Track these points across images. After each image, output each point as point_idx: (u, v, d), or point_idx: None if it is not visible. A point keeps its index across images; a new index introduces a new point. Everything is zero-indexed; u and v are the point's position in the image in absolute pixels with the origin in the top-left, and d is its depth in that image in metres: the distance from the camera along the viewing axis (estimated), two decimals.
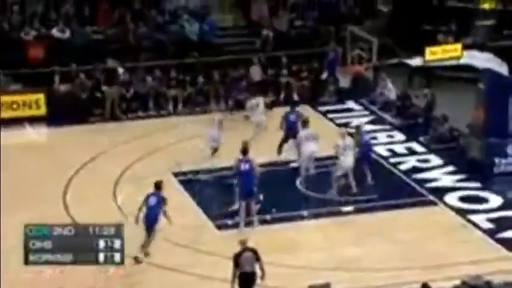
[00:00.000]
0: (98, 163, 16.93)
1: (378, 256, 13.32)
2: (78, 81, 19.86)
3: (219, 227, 14.24)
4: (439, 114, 18.71)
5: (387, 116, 19.77)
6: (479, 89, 16.96)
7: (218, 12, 22.69)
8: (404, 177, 16.40)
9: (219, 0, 22.97)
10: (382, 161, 17.21)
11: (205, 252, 13.27)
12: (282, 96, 20.60)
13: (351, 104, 20.64)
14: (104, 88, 19.71)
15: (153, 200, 12.79)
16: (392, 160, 17.25)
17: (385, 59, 21.27)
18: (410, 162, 17.11)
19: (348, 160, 14.90)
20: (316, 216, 14.73)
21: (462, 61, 19.04)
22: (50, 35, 20.62)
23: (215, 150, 15.78)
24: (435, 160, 17.13)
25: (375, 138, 18.41)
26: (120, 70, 20.03)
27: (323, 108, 20.26)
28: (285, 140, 16.54)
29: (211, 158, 15.81)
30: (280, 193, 15.12)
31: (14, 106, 19.15)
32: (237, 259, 11.15)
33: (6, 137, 17.00)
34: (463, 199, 15.37)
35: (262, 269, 11.23)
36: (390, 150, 17.82)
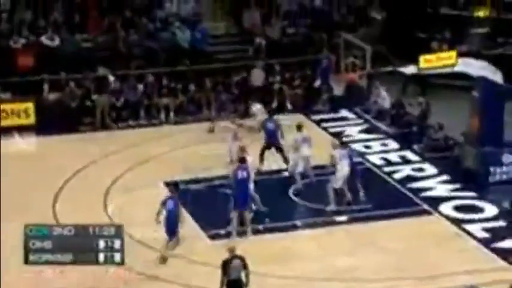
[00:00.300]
0: (88, 173, 16.95)
1: (372, 266, 13.39)
2: (67, 89, 19.92)
3: (212, 237, 14.29)
4: (433, 122, 18.85)
5: (381, 125, 19.88)
6: (473, 97, 17.10)
7: (210, 19, 22.80)
8: (399, 187, 16.49)
9: (211, 7, 23.09)
10: (376, 169, 17.31)
11: (198, 263, 13.30)
12: (275, 104, 20.71)
13: (344, 112, 20.75)
14: (94, 96, 19.76)
15: (171, 204, 12.96)
16: (386, 169, 17.34)
17: (379, 67, 21.40)
18: (405, 171, 17.21)
19: (344, 169, 15.00)
20: (310, 226, 14.80)
21: (456, 69, 19.20)
22: (39, 42, 20.67)
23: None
24: (430, 169, 17.24)
25: (368, 147, 18.54)
26: (111, 78, 20.09)
27: (316, 117, 20.37)
28: (266, 148, 16.63)
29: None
30: (273, 202, 15.18)
31: (3, 115, 19.17)
32: (225, 266, 11.21)
33: None
34: (458, 208, 15.46)
35: (247, 277, 11.28)
36: (384, 159, 17.92)
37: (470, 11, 23.40)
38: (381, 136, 19.25)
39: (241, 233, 13.96)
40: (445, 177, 16.79)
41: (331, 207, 15.02)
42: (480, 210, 15.43)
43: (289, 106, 20.92)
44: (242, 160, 14.11)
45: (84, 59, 20.65)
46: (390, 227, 14.75)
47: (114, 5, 22.02)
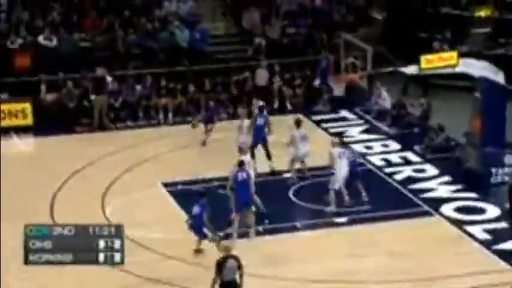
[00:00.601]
0: (86, 174, 16.94)
1: (372, 268, 13.37)
2: (65, 90, 19.91)
3: (210, 239, 14.25)
4: (434, 123, 18.84)
5: (382, 125, 19.88)
6: (475, 98, 17.09)
7: (209, 19, 22.81)
8: (400, 188, 16.48)
9: (211, 7, 23.09)
10: (376, 170, 17.30)
11: (196, 265, 13.28)
12: (276, 104, 20.71)
13: (345, 113, 20.75)
14: (92, 97, 19.75)
15: (196, 209, 13.02)
16: (387, 170, 17.33)
17: (380, 67, 21.40)
18: (406, 172, 17.19)
19: (343, 169, 14.98)
20: (310, 227, 14.78)
21: (458, 69, 19.18)
22: (36, 42, 20.66)
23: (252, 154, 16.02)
24: (431, 170, 17.22)
25: (369, 148, 18.53)
26: (109, 78, 20.08)
27: (316, 118, 20.37)
28: (254, 146, 16.61)
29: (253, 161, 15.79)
30: (273, 204, 15.16)
31: (0, 115, 19.15)
32: (220, 266, 11.14)
33: None
34: (459, 210, 15.43)
35: (241, 277, 11.24)
36: (385, 159, 17.91)
37: (472, 10, 23.40)
38: (381, 137, 19.24)
39: (243, 235, 13.92)
40: (446, 178, 16.77)
41: (331, 208, 15.00)
42: (482, 211, 15.41)
43: (289, 106, 20.94)
44: (241, 163, 14.12)
45: (82, 59, 20.64)
46: (391, 228, 14.73)
47: (112, 4, 22.03)
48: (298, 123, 16.24)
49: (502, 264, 13.56)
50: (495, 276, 13.00)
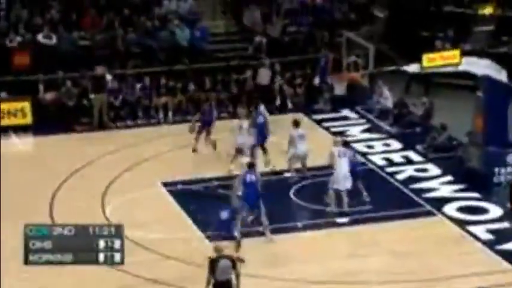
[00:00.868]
0: (86, 173, 16.93)
1: (374, 269, 13.35)
2: (64, 88, 19.88)
3: (210, 239, 14.24)
4: (436, 122, 18.81)
5: (384, 125, 19.85)
6: (477, 97, 17.05)
7: (210, 18, 22.78)
8: (401, 187, 16.45)
9: (211, 5, 23.05)
10: (378, 170, 17.27)
11: (195, 265, 13.26)
12: (278, 102, 20.68)
13: (346, 112, 20.72)
14: (92, 96, 19.73)
15: (224, 214, 12.97)
16: (388, 169, 17.29)
17: (382, 66, 21.35)
18: (408, 171, 17.16)
19: (343, 168, 14.95)
20: (311, 227, 14.75)
21: (460, 68, 19.13)
22: (35, 41, 20.64)
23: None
24: (433, 169, 17.19)
25: (371, 147, 18.50)
26: (108, 77, 20.05)
27: (317, 117, 20.34)
28: (257, 145, 16.65)
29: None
30: (274, 204, 15.12)
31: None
32: (212, 265, 11.17)
33: None
34: (462, 210, 15.40)
35: (237, 278, 11.23)
36: (387, 159, 17.88)
37: (475, 8, 23.35)
38: (383, 136, 19.21)
39: (246, 235, 13.87)
40: (448, 178, 16.74)
41: (331, 208, 14.96)
42: (485, 211, 15.38)
43: (290, 105, 20.91)
44: (251, 165, 14.19)
45: (82, 58, 20.61)
46: (393, 228, 14.70)
47: (112, 2, 22.00)
48: (296, 123, 16.24)
49: (505, 264, 13.53)
50: (498, 276, 12.97)
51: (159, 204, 15.58)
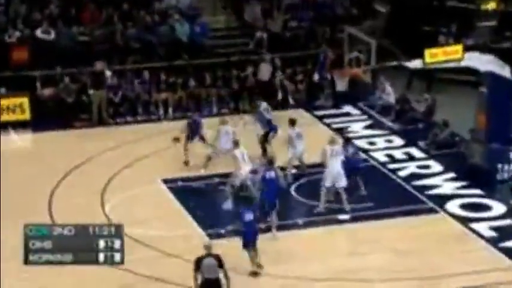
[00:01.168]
0: (85, 170, 16.93)
1: (375, 266, 13.36)
2: (62, 84, 19.88)
3: (210, 236, 14.27)
4: (439, 118, 18.81)
5: (386, 121, 19.85)
6: (480, 93, 17.04)
7: (210, 13, 22.76)
8: (404, 184, 16.46)
9: (211, 0, 23.03)
10: (380, 167, 17.27)
11: None
12: (279, 96, 20.67)
13: (348, 108, 20.72)
14: (91, 92, 19.73)
15: (248, 216, 12.76)
16: (390, 166, 17.30)
17: (384, 61, 21.34)
18: (410, 168, 17.17)
19: (336, 166, 14.92)
20: (312, 224, 14.76)
21: (463, 63, 19.13)
22: (34, 36, 20.64)
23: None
24: (435, 166, 17.19)
25: (373, 143, 18.51)
26: (108, 73, 20.05)
27: (319, 113, 20.34)
28: (266, 137, 16.82)
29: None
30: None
31: None
32: (198, 263, 11.28)
33: None
34: (464, 207, 15.41)
35: (226, 277, 11.28)
36: (389, 155, 17.88)
37: (477, 3, 23.32)
38: (385, 132, 19.21)
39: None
40: (451, 174, 16.74)
41: (320, 208, 14.94)
42: (487, 208, 15.39)
43: (291, 101, 20.91)
44: (270, 162, 14.25)
45: (81, 53, 20.60)
46: (394, 226, 14.72)
47: None
48: (292, 122, 16.26)
49: (508, 262, 13.55)
50: (501, 274, 12.99)
51: (159, 201, 15.61)
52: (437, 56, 18.66)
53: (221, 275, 11.27)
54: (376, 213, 15.06)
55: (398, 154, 17.94)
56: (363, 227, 14.64)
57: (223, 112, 20.23)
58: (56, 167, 16.82)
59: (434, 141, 18.15)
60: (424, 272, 13.11)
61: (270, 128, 16.95)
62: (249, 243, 12.68)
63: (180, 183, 16.21)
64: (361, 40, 21.77)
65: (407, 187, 16.29)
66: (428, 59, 18.58)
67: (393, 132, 19.21)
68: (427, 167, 17.23)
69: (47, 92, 19.92)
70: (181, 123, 17.35)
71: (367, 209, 15.17)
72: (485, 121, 16.72)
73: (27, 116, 19.51)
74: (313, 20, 22.88)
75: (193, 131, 16.79)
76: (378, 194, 15.64)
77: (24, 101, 19.50)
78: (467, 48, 19.30)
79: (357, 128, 19.47)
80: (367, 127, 19.55)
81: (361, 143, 18.24)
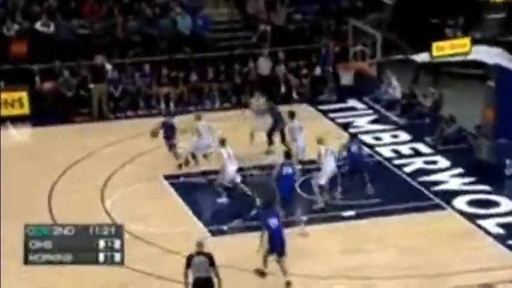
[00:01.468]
0: (85, 165, 16.94)
1: (381, 264, 13.33)
2: (62, 78, 19.88)
3: (212, 233, 14.27)
4: (446, 113, 18.77)
5: (391, 115, 19.82)
6: (488, 87, 17.00)
7: (212, 5, 22.74)
8: (410, 180, 16.43)
9: None
10: (385, 162, 17.25)
11: None
12: (282, 93, 20.65)
13: (353, 102, 20.70)
14: (91, 86, 19.73)
15: (274, 221, 12.51)
16: (396, 162, 17.27)
17: (390, 54, 21.31)
18: (416, 164, 17.14)
19: (331, 165, 14.95)
20: (316, 221, 14.75)
21: (470, 57, 19.09)
22: (33, 29, 20.63)
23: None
24: (442, 162, 17.16)
25: (378, 138, 18.48)
26: (108, 66, 20.05)
27: (323, 107, 20.32)
28: (273, 129, 16.97)
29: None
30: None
31: None
32: (189, 260, 11.32)
33: None
34: (471, 203, 15.38)
35: (217, 276, 11.28)
36: (394, 151, 17.86)
37: None
38: (391, 127, 19.19)
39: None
40: (458, 170, 16.72)
41: (319, 205, 14.94)
42: (495, 204, 15.36)
43: (295, 96, 20.89)
44: (287, 156, 14.27)
45: (81, 47, 20.61)
46: (401, 222, 14.70)
47: None
48: (292, 115, 16.28)
49: None
50: (509, 271, 12.95)
51: (161, 197, 15.61)
52: (444, 49, 18.62)
53: (213, 274, 11.26)
54: (382, 209, 15.04)
55: (404, 149, 17.92)
56: (368, 224, 14.63)
57: (225, 106, 20.23)
58: (55, 163, 16.83)
59: (441, 136, 18.12)
60: (431, 269, 13.08)
61: (276, 122, 16.88)
62: (275, 249, 12.39)
63: (181, 179, 16.20)
64: (367, 33, 21.72)
65: (414, 183, 16.27)
66: (435, 52, 18.53)
67: (399, 127, 19.19)
68: (433, 162, 17.20)
69: (47, 86, 19.93)
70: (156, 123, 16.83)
71: (372, 206, 15.14)
72: (493, 116, 16.68)
73: (26, 110, 19.53)
74: (317, 13, 22.83)
75: (169, 136, 16.46)
76: (384, 190, 15.62)
77: (23, 95, 19.53)
78: (475, 41, 19.26)
79: (362, 122, 19.45)
80: (373, 122, 19.52)
81: (367, 138, 18.21)
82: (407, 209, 15.13)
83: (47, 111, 19.39)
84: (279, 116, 17.04)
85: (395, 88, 20.43)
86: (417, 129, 18.86)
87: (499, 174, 16.34)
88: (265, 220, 12.47)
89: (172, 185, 16.03)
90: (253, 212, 14.82)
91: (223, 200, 15.09)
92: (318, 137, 15.29)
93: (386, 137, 18.61)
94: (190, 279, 11.31)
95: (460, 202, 15.42)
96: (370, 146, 17.82)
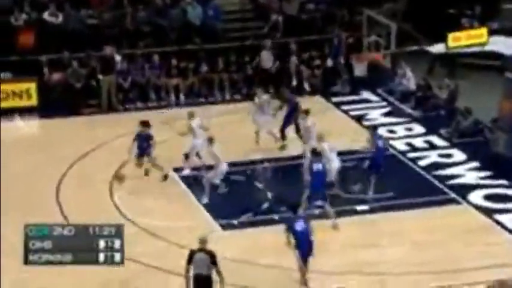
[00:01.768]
0: (94, 157, 16.92)
1: (395, 259, 13.27)
2: (70, 69, 19.86)
3: (223, 227, 14.21)
4: (462, 105, 18.63)
5: (406, 107, 19.70)
6: (506, 78, 16.86)
7: None
8: (424, 174, 16.32)
9: None
10: (399, 156, 17.14)
11: None
12: (293, 85, 20.55)
13: (366, 94, 20.58)
14: (100, 77, 19.70)
15: (300, 225, 12.31)
16: (411, 155, 17.17)
17: (405, 45, 21.18)
18: (431, 157, 17.03)
19: (336, 162, 14.94)
20: (327, 216, 14.65)
21: (487, 48, 18.94)
22: (41, 19, 20.61)
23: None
24: (458, 155, 17.05)
25: (392, 131, 18.36)
26: (117, 57, 20.01)
27: (336, 99, 20.21)
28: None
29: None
30: (290, 190, 15.04)
31: (3, 96, 19.17)
32: (191, 256, 11.29)
33: None
34: (488, 197, 15.27)
35: (219, 274, 11.23)
36: (409, 144, 17.75)
37: None
38: (405, 120, 19.07)
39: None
40: (474, 164, 16.60)
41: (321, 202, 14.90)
42: None
43: (307, 87, 20.78)
44: (317, 153, 14.28)
45: (89, 37, 20.58)
46: (415, 217, 14.61)
47: None
48: (306, 113, 16.18)
49: None
50: None
51: (170, 190, 15.56)
52: (460, 40, 18.50)
53: (214, 272, 11.21)
54: (396, 203, 14.95)
55: (418, 142, 17.80)
56: (382, 218, 14.56)
57: (235, 98, 20.15)
58: (63, 155, 16.81)
59: (457, 129, 17.99)
60: (446, 265, 13.00)
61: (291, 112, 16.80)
62: (305, 255, 12.25)
63: (191, 172, 16.14)
64: (381, 23, 21.61)
65: (428, 177, 16.16)
66: (451, 43, 18.42)
67: (413, 119, 19.07)
68: (449, 155, 17.09)
69: (55, 77, 19.91)
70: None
71: (386, 200, 15.05)
72: (511, 108, 16.54)
73: (34, 101, 19.52)
74: (330, 3, 22.70)
75: (143, 147, 15.45)
76: (398, 184, 15.53)
77: (31, 86, 19.51)
78: (492, 32, 19.13)
79: (376, 115, 19.34)
80: (386, 114, 19.41)
81: (380, 131, 17.99)
82: (421, 203, 15.04)
83: (55, 103, 19.37)
84: (296, 106, 16.87)
85: (409, 80, 20.29)
86: (432, 122, 18.74)
87: None
88: (291, 225, 12.30)
89: (182, 177, 15.97)
90: (265, 206, 14.74)
91: (223, 189, 15.03)
92: (318, 133, 15.22)
93: (401, 130, 18.49)
94: (191, 275, 11.25)
95: (476, 196, 15.31)
96: (384, 139, 17.67)
